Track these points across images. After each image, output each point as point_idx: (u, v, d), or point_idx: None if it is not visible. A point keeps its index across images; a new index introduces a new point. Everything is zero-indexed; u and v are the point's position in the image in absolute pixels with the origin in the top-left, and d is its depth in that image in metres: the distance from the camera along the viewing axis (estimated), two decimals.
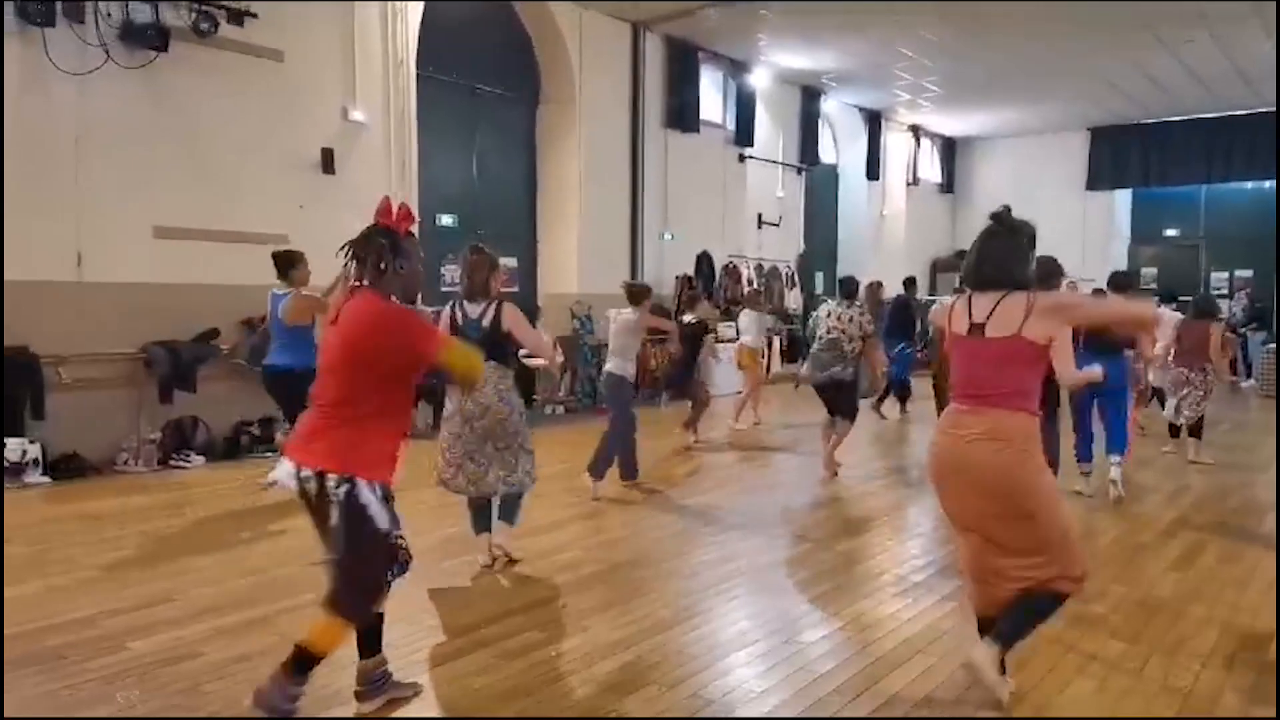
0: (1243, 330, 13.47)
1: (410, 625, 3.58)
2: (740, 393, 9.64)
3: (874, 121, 16.10)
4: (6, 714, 2.95)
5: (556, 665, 3.34)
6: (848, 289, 7.02)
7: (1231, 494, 6.51)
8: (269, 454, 7.47)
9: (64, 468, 6.53)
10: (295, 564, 4.55)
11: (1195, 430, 7.56)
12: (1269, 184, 16.01)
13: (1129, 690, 3.19)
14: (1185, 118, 15.80)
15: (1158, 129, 16.28)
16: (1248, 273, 16.02)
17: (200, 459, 7.17)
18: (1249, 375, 13.03)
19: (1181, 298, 10.25)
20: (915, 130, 17.40)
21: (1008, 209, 3.15)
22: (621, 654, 3.45)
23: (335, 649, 2.79)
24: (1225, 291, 15.58)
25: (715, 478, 7.01)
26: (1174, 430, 7.79)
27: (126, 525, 5.32)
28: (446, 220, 9.86)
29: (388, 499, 2.84)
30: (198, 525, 5.37)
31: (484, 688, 3.15)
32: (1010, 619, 3.01)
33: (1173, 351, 7.50)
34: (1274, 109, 14.89)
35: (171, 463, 7.04)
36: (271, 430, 7.60)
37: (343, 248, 2.92)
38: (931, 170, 18.38)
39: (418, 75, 9.01)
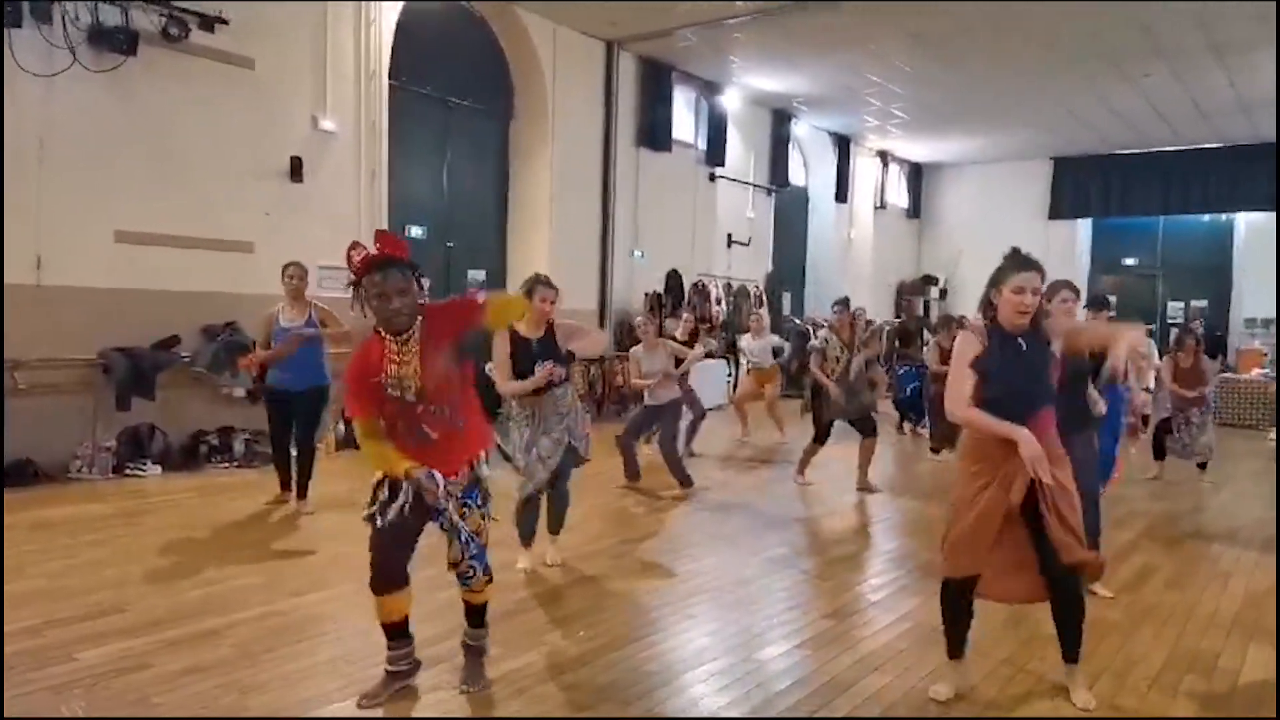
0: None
1: (366, 640, 3.54)
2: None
3: (843, 145, 16.32)
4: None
5: (514, 681, 3.32)
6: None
7: (1183, 518, 6.65)
8: (226, 464, 7.38)
9: (17, 474, 6.38)
10: (249, 576, 4.50)
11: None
12: (1224, 217, 16.46)
13: (1079, 710, 3.24)
14: (1145, 151, 16.20)
15: (1118, 161, 16.66)
16: (1202, 303, 16.42)
17: (156, 468, 7.05)
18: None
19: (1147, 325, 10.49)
20: (883, 155, 17.67)
21: None
22: (579, 670, 3.44)
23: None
24: (1181, 320, 15.93)
25: (690, 493, 6.95)
26: (1160, 452, 7.95)
27: (78, 534, 5.21)
28: (416, 232, 9.82)
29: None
30: (151, 535, 5.27)
31: (437, 703, 3.13)
32: None
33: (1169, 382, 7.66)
34: (1230, 145, 15.37)
35: (127, 471, 6.92)
36: (230, 440, 7.50)
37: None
38: (899, 195, 18.65)
39: (390, 86, 9.00)
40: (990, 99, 13.57)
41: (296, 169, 8.14)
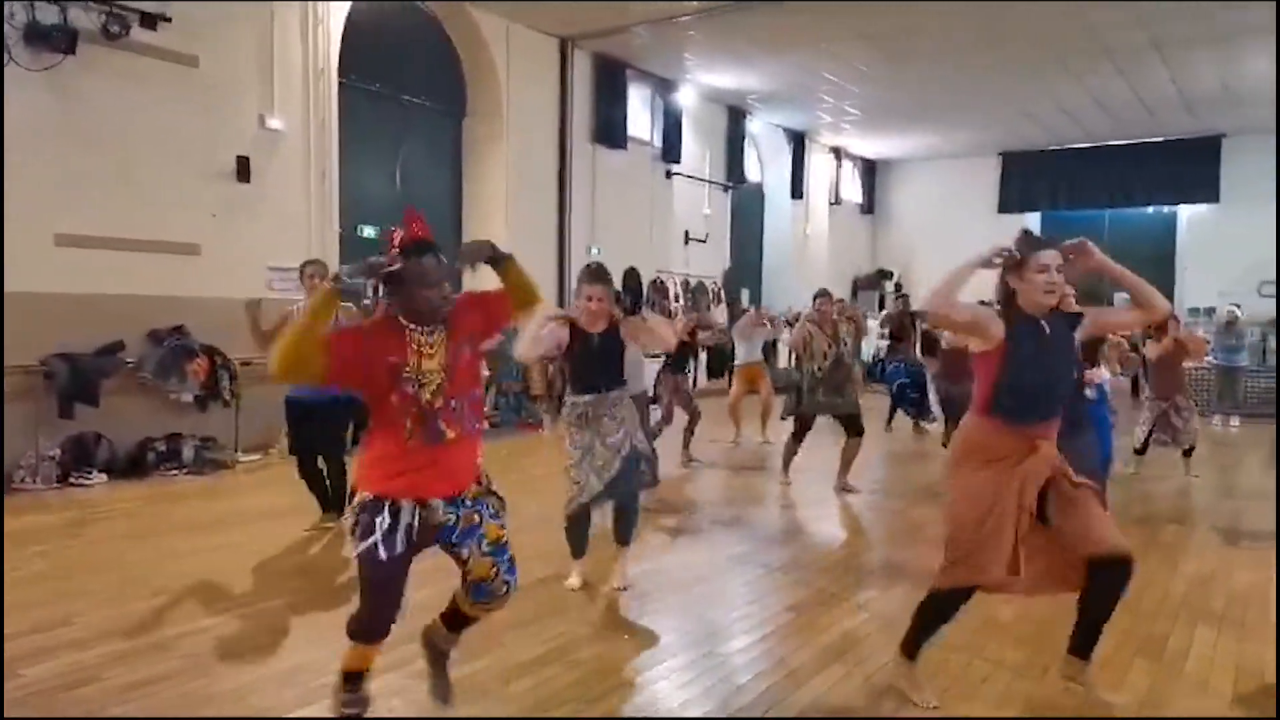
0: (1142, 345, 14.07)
1: (322, 649, 3.48)
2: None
3: (798, 142, 16.45)
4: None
5: (471, 684, 3.29)
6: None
7: (1134, 504, 6.78)
8: (176, 471, 7.21)
9: None
10: (199, 586, 4.40)
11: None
12: (1168, 209, 16.89)
13: (1031, 694, 3.29)
14: (1091, 145, 16.56)
15: (1065, 155, 17.02)
16: None
17: (103, 476, 6.87)
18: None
19: None
20: (837, 151, 17.84)
21: None
22: (539, 671, 3.42)
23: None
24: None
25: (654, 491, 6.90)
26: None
27: (24, 545, 5.05)
28: (369, 232, 9.69)
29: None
30: (98, 545, 5.14)
31: (395, 709, 3.08)
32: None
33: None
34: (1172, 139, 15.77)
35: (72, 480, 6.73)
36: (179, 446, 7.33)
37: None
38: (853, 191, 18.85)
39: (340, 84, 8.86)
40: (941, 96, 13.77)
41: (244, 169, 7.98)
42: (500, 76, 10.61)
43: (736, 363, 9.54)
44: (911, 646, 3.20)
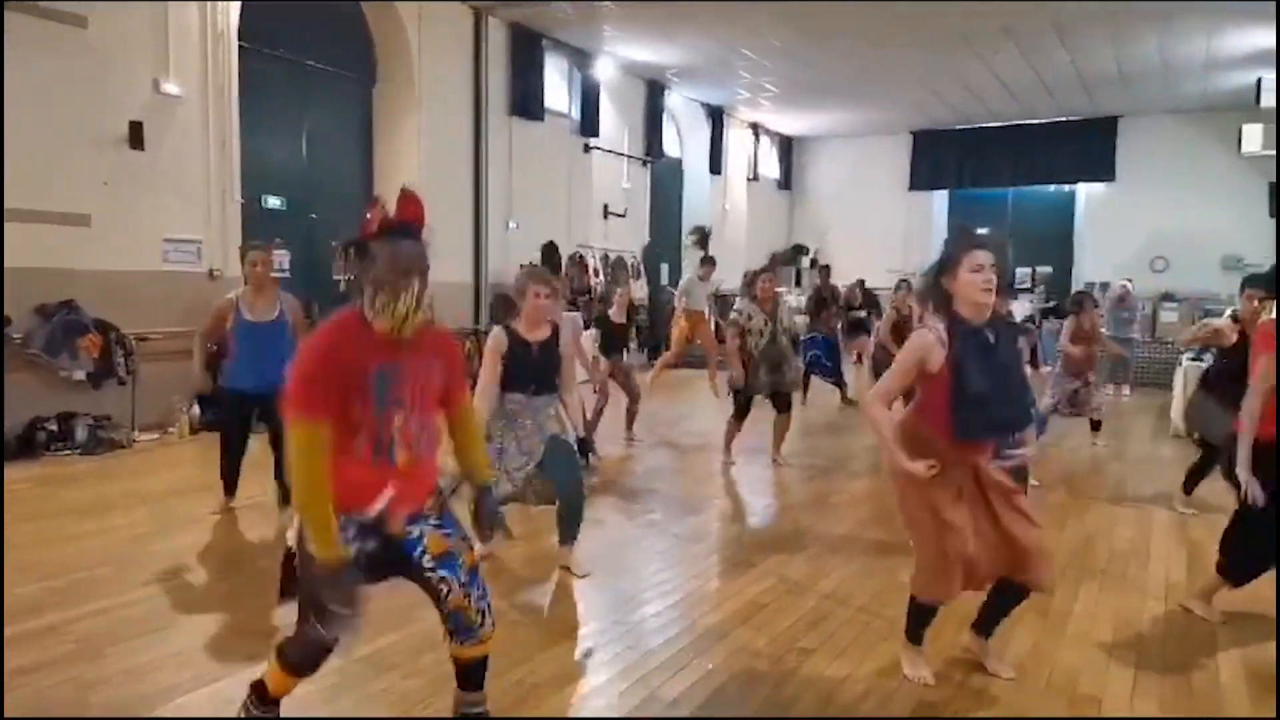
0: (1042, 321, 14.67)
1: (221, 628, 3.39)
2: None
3: (716, 117, 16.52)
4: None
5: (380, 658, 3.26)
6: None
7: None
8: (68, 453, 6.89)
9: None
10: (95, 569, 4.24)
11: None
12: (1067, 187, 17.58)
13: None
14: (996, 125, 17.10)
15: (972, 135, 17.53)
16: (1047, 269, 17.54)
17: None
18: (1046, 362, 14.24)
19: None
20: (755, 127, 18.00)
21: None
22: (445, 647, 3.39)
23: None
24: (1028, 286, 16.97)
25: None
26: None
27: None
28: (274, 203, 9.36)
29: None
30: None
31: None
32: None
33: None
34: (1072, 119, 16.39)
35: None
36: (71, 426, 7.00)
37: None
38: (771, 167, 19.06)
39: (240, 48, 8.49)
40: (854, 74, 14.00)
41: (136, 135, 7.59)
42: (412, 44, 10.34)
43: (678, 309, 9.29)
44: (911, 634, 3.25)
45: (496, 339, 4.19)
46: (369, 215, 2.31)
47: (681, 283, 9.32)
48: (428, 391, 2.40)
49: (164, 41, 7.84)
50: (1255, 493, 3.53)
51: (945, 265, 2.91)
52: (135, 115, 7.62)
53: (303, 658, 2.44)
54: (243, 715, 2.55)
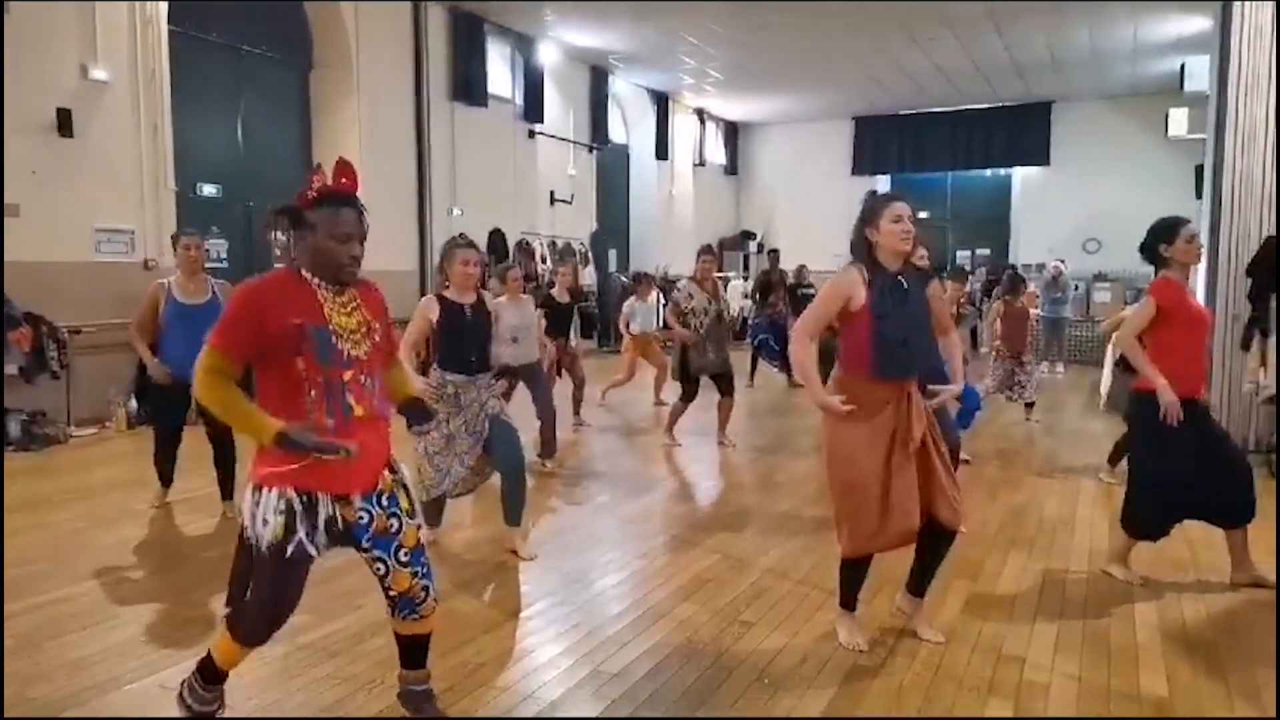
0: (982, 302, 15.04)
1: (164, 620, 3.37)
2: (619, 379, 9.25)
3: (661, 103, 16.57)
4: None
5: (325, 645, 3.27)
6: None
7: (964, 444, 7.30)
8: (3, 449, 6.71)
9: None
10: (32, 564, 4.17)
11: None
12: (1004, 171, 18.01)
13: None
14: (934, 110, 17.44)
15: (911, 120, 17.86)
16: (985, 250, 17.98)
17: None
18: (983, 346, 14.61)
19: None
20: (700, 113, 18.08)
21: None
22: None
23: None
24: (969, 267, 17.37)
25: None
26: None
27: None
28: (209, 190, 9.18)
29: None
30: None
31: (245, 671, 3.03)
32: None
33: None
34: (1007, 105, 16.77)
35: None
36: (3, 420, 6.81)
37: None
38: (717, 152, 19.17)
39: (170, 31, 8.30)
40: (796, 61, 14.14)
41: (65, 122, 7.39)
42: (349, 28, 10.19)
43: (630, 334, 9.23)
44: (845, 601, 3.36)
45: (426, 304, 4.22)
46: (313, 181, 2.38)
47: (625, 307, 9.38)
48: (375, 347, 2.44)
49: (91, 26, 7.64)
50: (1169, 399, 3.75)
51: (867, 217, 3.12)
52: (63, 102, 7.42)
53: (251, 626, 2.44)
54: (185, 696, 2.54)
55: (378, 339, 2.46)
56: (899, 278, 3.12)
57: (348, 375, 2.35)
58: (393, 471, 2.52)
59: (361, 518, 2.42)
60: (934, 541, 3.28)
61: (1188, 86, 11.72)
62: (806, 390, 3.20)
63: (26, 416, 6.95)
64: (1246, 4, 6.88)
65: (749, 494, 5.79)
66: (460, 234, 4.47)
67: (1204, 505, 3.89)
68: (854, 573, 3.32)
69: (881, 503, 3.09)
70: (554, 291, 7.94)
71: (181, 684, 2.58)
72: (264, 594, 2.38)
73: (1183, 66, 11.97)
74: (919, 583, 3.42)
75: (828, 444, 3.24)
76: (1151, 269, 4.03)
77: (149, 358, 4.96)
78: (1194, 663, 3.22)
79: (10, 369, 6.99)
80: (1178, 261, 3.88)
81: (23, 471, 6.14)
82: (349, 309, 2.39)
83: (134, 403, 7.59)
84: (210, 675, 2.53)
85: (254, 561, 2.36)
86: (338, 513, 2.36)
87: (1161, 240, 3.90)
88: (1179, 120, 12.70)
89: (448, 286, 4.27)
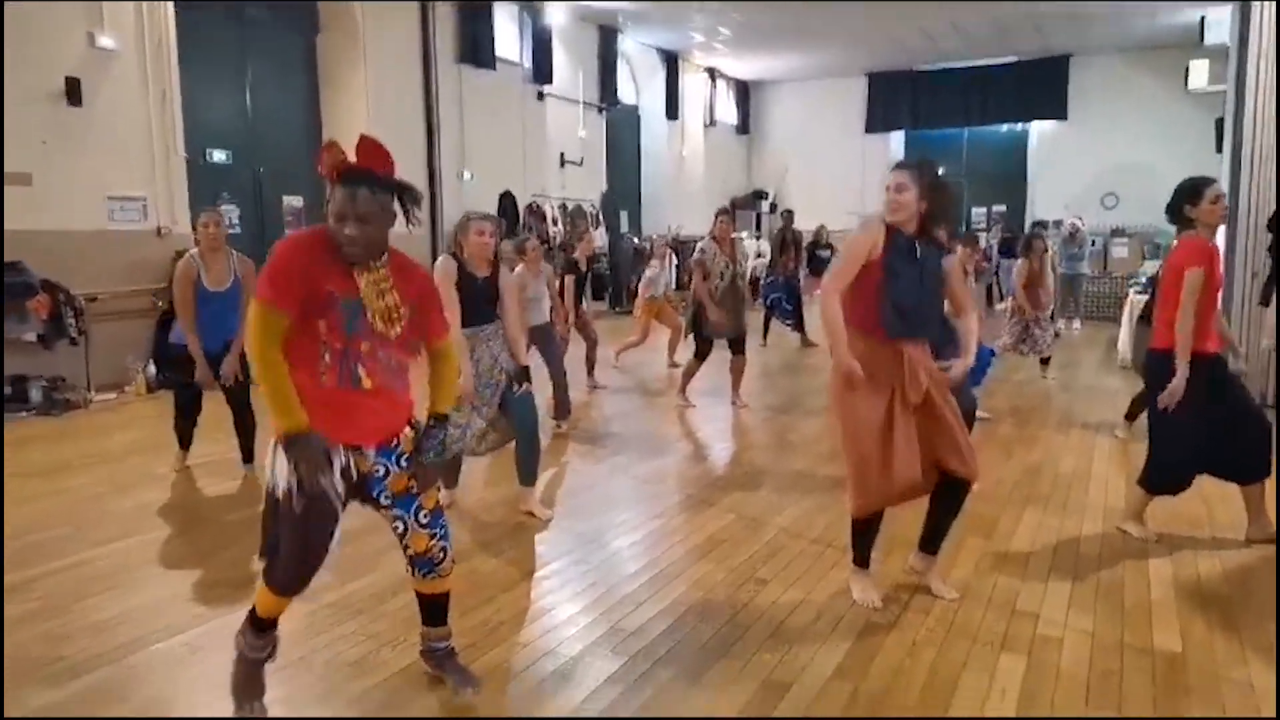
0: (999, 259, 14.91)
1: (185, 581, 3.44)
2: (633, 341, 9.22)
3: (671, 62, 16.35)
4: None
5: (347, 604, 3.33)
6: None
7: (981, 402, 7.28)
8: (24, 413, 6.80)
9: None
10: (55, 528, 4.25)
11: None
12: (1020, 126, 17.74)
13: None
14: (949, 66, 17.15)
15: (926, 76, 17.58)
16: (1002, 207, 17.78)
17: None
18: (1001, 298, 14.51)
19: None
20: (711, 72, 17.84)
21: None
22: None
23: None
24: (984, 225, 17.21)
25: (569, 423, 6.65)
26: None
27: None
28: (219, 156, 9.16)
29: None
30: None
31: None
32: None
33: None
34: (1023, 59, 16.46)
35: None
36: (25, 388, 6.90)
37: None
38: (728, 111, 18.94)
39: None
40: (808, 18, 13.88)
41: (74, 91, 7.38)
42: None
43: (645, 296, 9.17)
44: (858, 559, 3.40)
45: (445, 266, 4.18)
46: (322, 158, 2.38)
47: (645, 275, 9.38)
48: (395, 323, 2.42)
49: None
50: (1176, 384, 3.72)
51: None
52: (71, 71, 7.40)
53: (282, 576, 2.49)
54: (239, 643, 2.59)
55: (403, 325, 2.43)
56: (914, 241, 3.16)
57: (364, 346, 2.37)
58: (415, 431, 2.54)
59: (377, 470, 2.47)
60: (947, 495, 3.31)
61: (1208, 39, 11.47)
62: (831, 348, 3.19)
63: (47, 382, 7.03)
64: None
65: (763, 453, 5.82)
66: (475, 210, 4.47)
67: (1221, 460, 3.88)
68: (865, 532, 3.35)
69: (882, 455, 3.12)
70: (575, 256, 7.98)
71: (238, 632, 2.63)
72: (291, 545, 2.42)
73: (1203, 18, 11.71)
74: (932, 540, 3.44)
75: (835, 402, 3.27)
76: (1174, 227, 3.97)
77: (195, 348, 4.92)
78: (1208, 618, 3.24)
79: (29, 336, 7.06)
80: (1203, 222, 3.81)
81: (43, 437, 6.23)
82: (380, 288, 2.39)
83: (152, 368, 7.66)
84: (259, 624, 2.57)
85: (279, 515, 2.40)
86: (352, 462, 2.40)
87: (1186, 200, 3.83)
88: (1199, 72, 12.45)
89: (464, 256, 4.25)
